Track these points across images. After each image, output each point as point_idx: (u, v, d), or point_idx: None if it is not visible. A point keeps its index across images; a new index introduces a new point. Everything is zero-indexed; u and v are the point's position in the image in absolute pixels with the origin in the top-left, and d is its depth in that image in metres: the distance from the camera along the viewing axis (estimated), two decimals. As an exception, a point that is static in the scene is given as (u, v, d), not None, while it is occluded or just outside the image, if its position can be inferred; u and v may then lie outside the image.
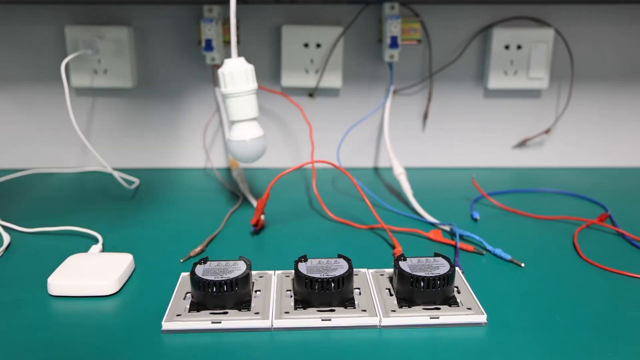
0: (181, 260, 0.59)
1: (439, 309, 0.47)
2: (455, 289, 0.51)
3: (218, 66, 0.82)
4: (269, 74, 0.87)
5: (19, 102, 0.88)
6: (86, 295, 0.51)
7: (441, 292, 0.48)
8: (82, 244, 0.62)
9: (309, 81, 0.86)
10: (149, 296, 0.51)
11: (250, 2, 0.84)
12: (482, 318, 0.47)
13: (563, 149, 0.93)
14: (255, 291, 0.51)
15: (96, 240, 0.63)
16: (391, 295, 0.50)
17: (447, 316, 0.47)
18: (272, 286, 0.51)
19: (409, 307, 0.48)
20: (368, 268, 0.55)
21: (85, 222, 0.68)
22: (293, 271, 0.49)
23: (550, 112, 0.91)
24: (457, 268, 0.53)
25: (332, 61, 0.85)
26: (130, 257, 0.56)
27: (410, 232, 0.66)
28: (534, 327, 0.46)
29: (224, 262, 0.50)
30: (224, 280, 0.46)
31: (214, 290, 0.46)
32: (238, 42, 0.83)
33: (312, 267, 0.49)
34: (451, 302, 0.48)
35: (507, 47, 0.85)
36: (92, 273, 0.53)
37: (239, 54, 0.64)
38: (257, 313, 0.47)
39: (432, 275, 0.47)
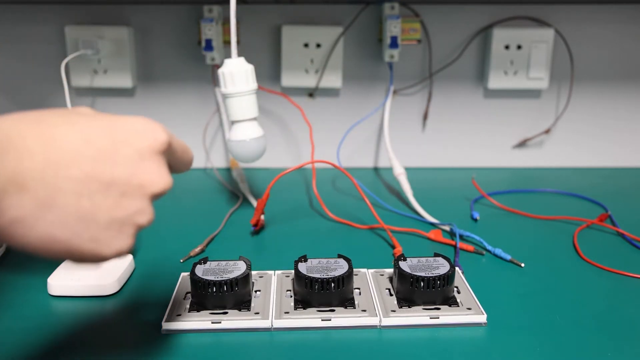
0: (181, 260, 0.59)
1: (439, 309, 0.47)
2: (455, 289, 0.51)
3: (218, 66, 0.82)
4: (269, 74, 0.87)
5: (19, 102, 0.88)
6: (86, 295, 0.51)
7: (441, 292, 0.48)
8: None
9: (309, 81, 0.86)
10: (149, 296, 0.51)
11: (250, 2, 0.84)
12: (482, 318, 0.47)
13: (563, 149, 0.93)
14: (255, 291, 0.51)
15: None
16: (391, 295, 0.50)
17: (447, 316, 0.47)
18: (272, 286, 0.51)
19: (409, 307, 0.48)
20: (368, 268, 0.55)
21: (85, 222, 0.68)
22: (293, 271, 0.49)
23: (550, 112, 0.91)
24: (457, 268, 0.53)
25: (332, 61, 0.85)
26: (130, 257, 0.56)
27: (410, 232, 0.66)
28: (534, 327, 0.46)
29: (224, 262, 0.50)
30: (224, 280, 0.46)
31: (214, 290, 0.46)
32: (238, 42, 0.83)
33: (312, 267, 0.49)
34: (451, 302, 0.48)
35: (507, 47, 0.85)
36: (92, 273, 0.53)
37: (239, 54, 0.64)
38: (257, 313, 0.47)
39: (432, 275, 0.47)
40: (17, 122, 0.29)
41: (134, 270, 0.56)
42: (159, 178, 0.32)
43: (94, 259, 0.31)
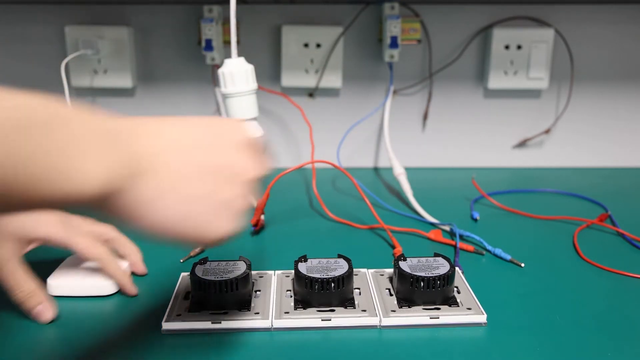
0: (181, 260, 0.59)
1: (439, 309, 0.47)
2: (455, 289, 0.51)
3: (218, 66, 0.82)
4: (269, 74, 0.87)
5: (19, 102, 0.88)
6: (86, 295, 0.51)
7: (441, 292, 0.48)
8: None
9: (309, 81, 0.86)
10: (149, 296, 0.51)
11: (250, 2, 0.84)
12: (482, 318, 0.47)
13: (563, 149, 0.93)
14: (255, 291, 0.51)
15: None
16: (391, 295, 0.50)
17: (447, 316, 0.47)
18: (272, 286, 0.51)
19: (409, 307, 0.48)
20: (368, 268, 0.55)
21: (85, 222, 0.68)
22: (293, 271, 0.49)
23: (550, 112, 0.91)
24: (457, 268, 0.53)
25: (332, 61, 0.85)
26: None
27: (410, 232, 0.66)
28: (534, 327, 0.46)
29: (224, 262, 0.50)
30: (224, 280, 0.46)
31: (214, 290, 0.46)
32: (238, 42, 0.83)
33: (312, 267, 0.49)
34: (451, 302, 0.48)
35: (507, 47, 0.85)
36: (91, 273, 0.52)
37: (239, 54, 0.64)
38: (257, 313, 0.47)
39: (432, 275, 0.47)
40: (136, 120, 0.33)
41: (132, 270, 0.56)
42: (253, 166, 0.36)
43: (203, 240, 0.34)
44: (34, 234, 0.50)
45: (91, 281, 0.51)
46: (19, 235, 0.49)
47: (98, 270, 0.53)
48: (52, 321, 0.47)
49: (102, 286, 0.51)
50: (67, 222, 0.51)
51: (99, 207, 0.30)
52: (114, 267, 0.51)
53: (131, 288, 0.51)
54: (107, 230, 0.55)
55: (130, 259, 0.55)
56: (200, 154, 0.34)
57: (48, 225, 0.50)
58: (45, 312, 0.47)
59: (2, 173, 0.25)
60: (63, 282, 0.51)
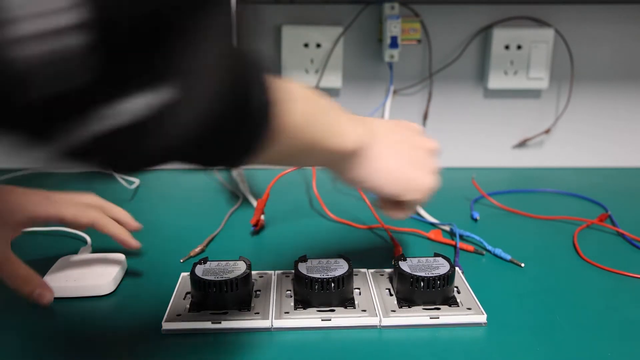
0: (181, 260, 0.59)
1: (439, 309, 0.47)
2: (455, 289, 0.51)
3: (218, 66, 0.82)
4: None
5: (19, 102, 0.88)
6: (82, 296, 0.51)
7: (441, 292, 0.48)
8: (73, 245, 0.61)
9: (309, 81, 0.86)
10: (149, 296, 0.51)
11: (250, 2, 0.84)
12: (482, 318, 0.47)
13: (563, 149, 0.93)
14: (255, 291, 0.51)
15: (85, 242, 0.62)
16: (391, 295, 0.50)
17: (447, 316, 0.47)
18: (272, 286, 0.51)
19: (409, 307, 0.48)
20: (368, 268, 0.55)
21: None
22: (293, 271, 0.49)
23: (550, 112, 0.91)
24: (457, 268, 0.53)
25: (332, 61, 0.85)
26: (123, 257, 0.56)
27: (410, 232, 0.66)
28: (533, 327, 0.46)
29: (224, 262, 0.50)
30: (224, 280, 0.46)
31: (214, 290, 0.46)
32: (238, 42, 0.83)
33: (312, 267, 0.49)
34: (451, 302, 0.48)
35: (507, 47, 0.85)
36: (85, 274, 0.52)
37: (239, 54, 0.64)
38: (257, 313, 0.47)
39: (432, 275, 0.47)
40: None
41: (126, 270, 0.56)
42: (430, 142, 0.49)
43: (412, 187, 0.46)
44: (22, 216, 0.50)
45: (86, 282, 0.51)
46: (8, 220, 0.49)
47: (91, 270, 0.53)
48: (51, 322, 0.47)
49: (98, 286, 0.51)
50: (51, 198, 0.52)
51: (347, 160, 0.43)
52: (111, 226, 0.53)
53: (133, 241, 0.54)
54: (91, 198, 0.56)
55: (122, 220, 0.57)
56: (396, 132, 0.48)
57: (35, 204, 0.51)
58: (45, 294, 0.48)
59: (305, 129, 0.37)
60: (57, 284, 0.51)
